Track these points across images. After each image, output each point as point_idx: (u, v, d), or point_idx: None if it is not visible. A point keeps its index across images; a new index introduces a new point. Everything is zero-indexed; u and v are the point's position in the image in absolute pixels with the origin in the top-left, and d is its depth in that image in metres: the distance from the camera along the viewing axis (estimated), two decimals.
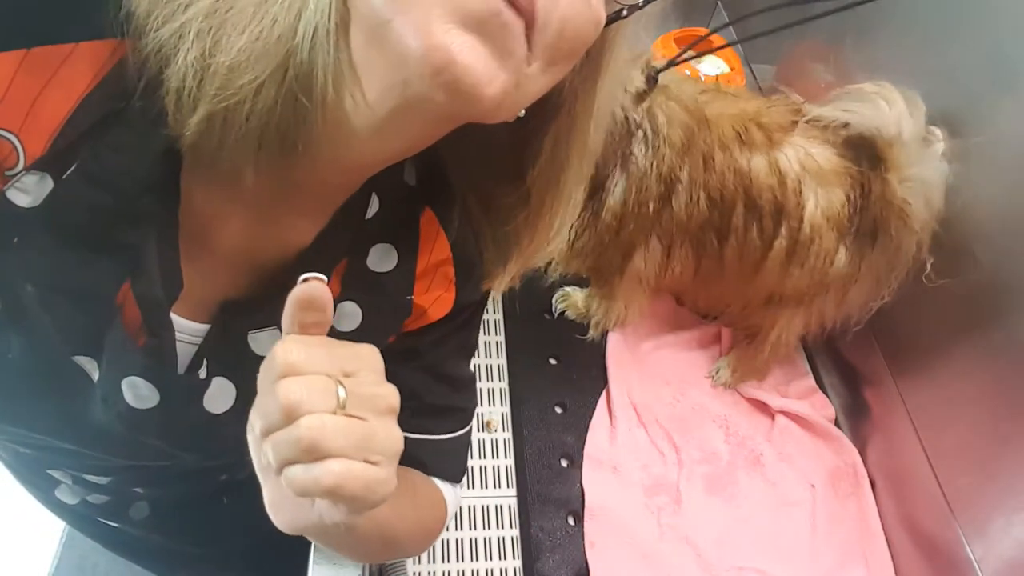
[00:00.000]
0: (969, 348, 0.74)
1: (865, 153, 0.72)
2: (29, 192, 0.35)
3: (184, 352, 0.43)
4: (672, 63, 0.67)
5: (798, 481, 0.85)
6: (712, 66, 1.13)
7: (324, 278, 0.33)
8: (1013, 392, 0.67)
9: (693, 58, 0.69)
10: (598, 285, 0.86)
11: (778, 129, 0.72)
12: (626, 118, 0.67)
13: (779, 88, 0.84)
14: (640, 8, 0.35)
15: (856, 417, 0.90)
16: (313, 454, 0.31)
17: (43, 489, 0.62)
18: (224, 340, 0.43)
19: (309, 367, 0.32)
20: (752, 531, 0.80)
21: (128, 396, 0.41)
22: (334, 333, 0.43)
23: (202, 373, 0.43)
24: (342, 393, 0.32)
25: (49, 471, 0.58)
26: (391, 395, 0.35)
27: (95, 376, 0.40)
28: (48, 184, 0.36)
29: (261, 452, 0.34)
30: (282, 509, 0.36)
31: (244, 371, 0.43)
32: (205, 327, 0.43)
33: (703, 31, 1.18)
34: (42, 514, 0.65)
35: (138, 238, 0.38)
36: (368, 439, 0.32)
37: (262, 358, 0.43)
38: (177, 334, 0.41)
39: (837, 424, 0.91)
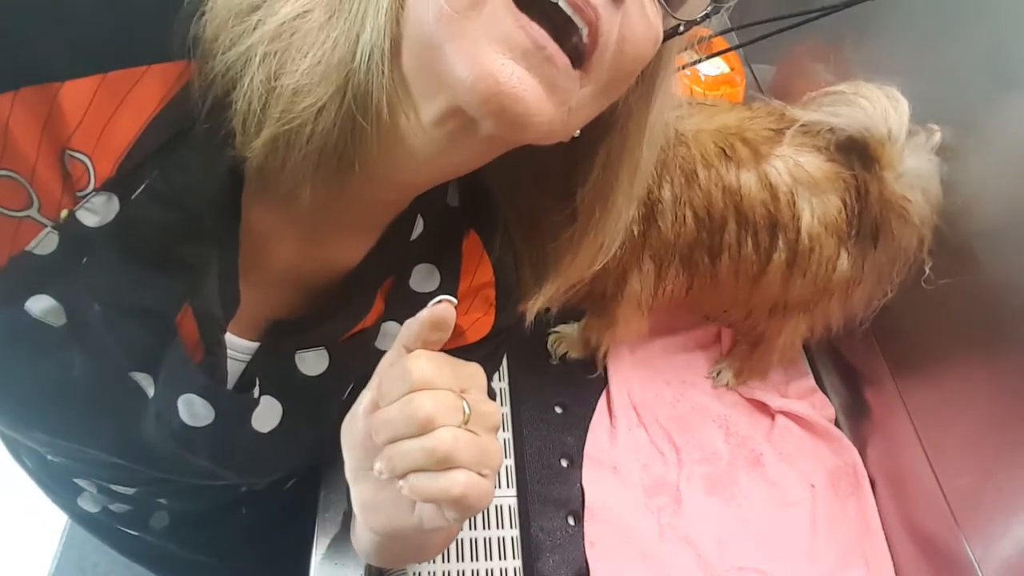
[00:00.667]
0: (970, 348, 0.74)
1: (856, 155, 0.71)
2: (97, 212, 0.36)
3: (233, 370, 0.43)
4: None
5: (798, 481, 0.85)
6: (712, 66, 1.13)
7: (454, 300, 0.35)
8: (1014, 392, 0.67)
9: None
10: (596, 314, 0.85)
11: (764, 142, 0.71)
12: None
13: (757, 96, 0.83)
14: (698, 24, 0.35)
15: (856, 417, 0.90)
16: (444, 464, 0.33)
17: (65, 496, 0.62)
18: (272, 359, 0.44)
19: (439, 382, 0.34)
20: (752, 531, 0.80)
21: (183, 414, 0.42)
22: (376, 353, 0.44)
23: (255, 392, 0.44)
24: (467, 409, 0.34)
25: (75, 479, 0.58)
26: (497, 412, 0.37)
27: (150, 392, 0.41)
28: (115, 205, 0.36)
29: (367, 457, 0.36)
30: (379, 511, 0.38)
31: (290, 390, 0.45)
32: (253, 345, 0.43)
33: (706, 32, 1.18)
34: (42, 514, 0.65)
35: (200, 257, 0.38)
36: (484, 453, 0.35)
37: (308, 378, 0.44)
38: (228, 351, 0.42)
39: (837, 424, 0.91)
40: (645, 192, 0.67)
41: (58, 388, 0.40)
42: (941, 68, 0.77)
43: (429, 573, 0.72)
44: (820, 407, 0.91)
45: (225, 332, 0.41)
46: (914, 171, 0.72)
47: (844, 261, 0.74)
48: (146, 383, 0.41)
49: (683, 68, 0.67)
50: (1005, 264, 0.69)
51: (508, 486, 0.80)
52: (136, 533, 0.66)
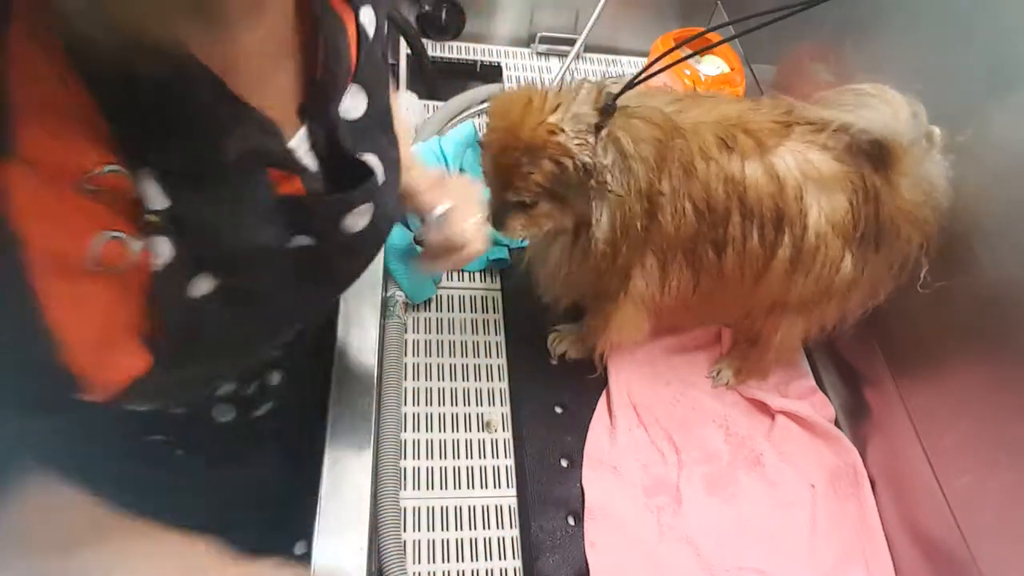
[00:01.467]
0: (969, 348, 0.74)
1: (866, 158, 0.71)
2: (155, 199, 0.38)
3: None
4: (631, 84, 0.65)
5: (798, 481, 0.85)
6: (712, 66, 1.13)
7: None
8: (1013, 392, 0.67)
9: (668, 68, 0.66)
10: (595, 314, 0.85)
11: (769, 134, 0.71)
12: (594, 152, 0.66)
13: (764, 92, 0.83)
14: None
15: (856, 417, 0.90)
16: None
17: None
18: (322, 124, 0.48)
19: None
20: (752, 531, 0.80)
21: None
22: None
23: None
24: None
25: None
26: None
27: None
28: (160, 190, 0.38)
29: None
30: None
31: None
32: (304, 131, 0.47)
33: (700, 31, 1.18)
34: None
35: (238, 142, 0.41)
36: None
37: (350, 120, 0.49)
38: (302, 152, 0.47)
39: (837, 424, 0.91)
40: (646, 185, 0.67)
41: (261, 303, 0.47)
42: (941, 68, 0.77)
43: (429, 573, 0.72)
44: (820, 407, 0.91)
45: (291, 152, 0.46)
46: (927, 177, 0.72)
47: (848, 263, 0.74)
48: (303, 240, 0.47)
49: (679, 62, 0.67)
50: (1005, 264, 0.69)
51: (508, 486, 0.80)
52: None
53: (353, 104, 0.49)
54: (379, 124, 0.53)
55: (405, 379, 0.85)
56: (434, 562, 0.73)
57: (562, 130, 0.65)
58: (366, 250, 0.56)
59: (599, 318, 0.83)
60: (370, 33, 0.50)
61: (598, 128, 0.66)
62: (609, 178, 0.67)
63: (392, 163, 0.54)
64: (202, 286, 0.42)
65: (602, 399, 0.88)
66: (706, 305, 0.82)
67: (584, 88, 0.67)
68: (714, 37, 1.10)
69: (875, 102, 0.69)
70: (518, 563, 0.75)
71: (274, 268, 0.47)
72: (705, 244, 0.73)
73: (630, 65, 1.28)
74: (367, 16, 0.50)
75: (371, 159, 0.50)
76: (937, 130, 0.72)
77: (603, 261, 0.72)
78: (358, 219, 0.50)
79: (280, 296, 0.50)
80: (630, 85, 0.65)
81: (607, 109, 0.65)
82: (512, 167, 0.67)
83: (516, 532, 0.77)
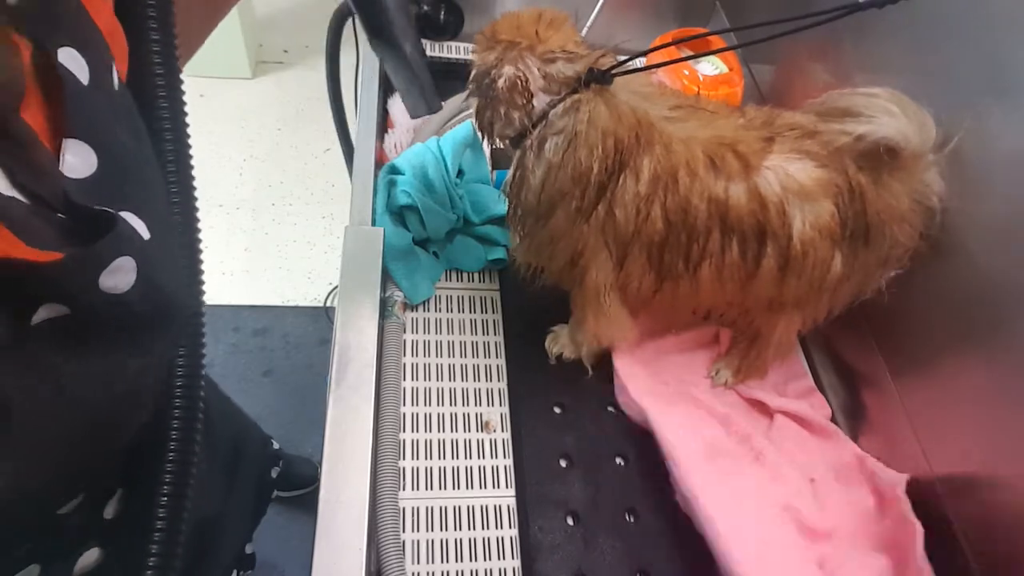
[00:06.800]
0: (968, 348, 0.74)
1: (855, 157, 0.71)
2: None
3: None
4: (626, 69, 0.65)
5: (798, 476, 0.85)
6: (710, 66, 1.13)
7: None
8: (1012, 392, 0.67)
9: (673, 62, 0.68)
10: (574, 305, 0.85)
11: (755, 154, 0.70)
12: (551, 104, 0.68)
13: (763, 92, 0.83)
14: None
15: (854, 417, 0.90)
16: None
17: None
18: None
19: None
20: (751, 530, 0.80)
21: None
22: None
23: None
24: None
25: None
26: None
27: None
28: None
29: None
30: None
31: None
32: None
33: (702, 31, 1.19)
34: None
35: None
36: None
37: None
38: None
39: (835, 424, 0.91)
40: (584, 171, 0.68)
41: None
42: (940, 68, 0.77)
43: (429, 573, 0.72)
44: (819, 407, 0.91)
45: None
46: (927, 185, 0.72)
47: (838, 261, 0.74)
48: None
49: (678, 60, 0.68)
50: (1002, 264, 0.69)
51: (507, 486, 0.80)
52: None
53: (77, 161, 0.39)
54: (129, 180, 0.43)
55: (404, 379, 0.85)
56: (433, 562, 0.73)
57: (541, 60, 0.67)
58: (147, 322, 0.41)
59: (579, 310, 0.84)
60: (82, 80, 0.40)
61: (574, 90, 0.67)
62: (549, 141, 0.68)
63: (162, 219, 0.43)
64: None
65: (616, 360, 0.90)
66: (676, 306, 0.82)
67: (598, 53, 0.69)
68: (715, 40, 1.10)
69: (893, 109, 0.68)
70: (517, 563, 0.75)
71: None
72: (675, 255, 0.73)
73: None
74: (70, 58, 0.40)
75: (128, 216, 0.40)
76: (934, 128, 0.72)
77: (530, 215, 0.74)
78: (117, 277, 0.38)
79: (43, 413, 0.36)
80: (623, 69, 0.66)
81: (586, 77, 0.66)
82: (490, 44, 0.74)
83: (515, 532, 0.77)
